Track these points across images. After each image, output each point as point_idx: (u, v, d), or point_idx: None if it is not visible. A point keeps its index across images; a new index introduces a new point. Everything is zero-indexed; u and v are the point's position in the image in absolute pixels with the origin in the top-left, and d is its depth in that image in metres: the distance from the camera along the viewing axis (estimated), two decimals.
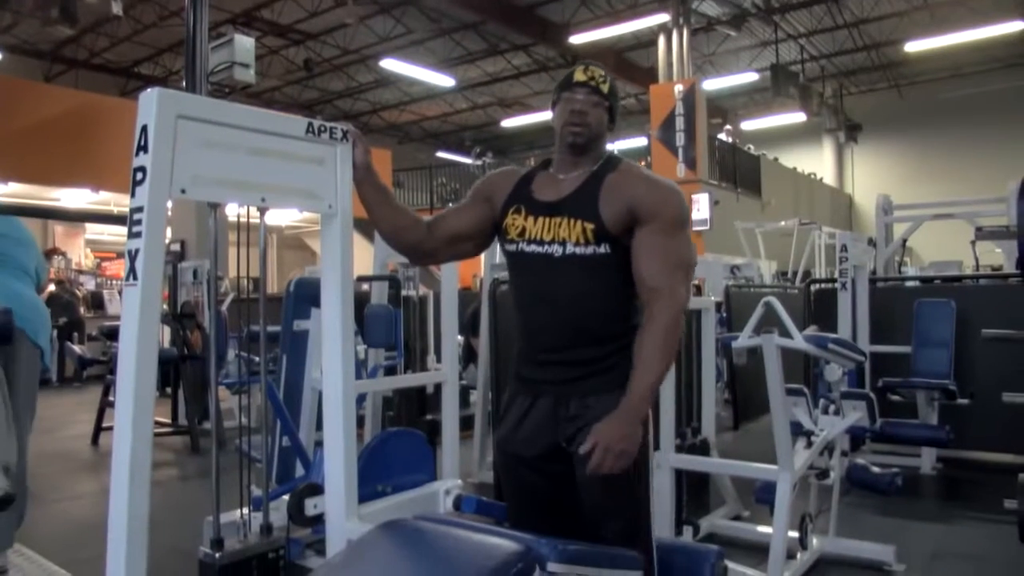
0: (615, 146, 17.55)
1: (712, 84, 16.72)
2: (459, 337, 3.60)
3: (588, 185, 1.81)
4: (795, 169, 19.80)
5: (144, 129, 1.53)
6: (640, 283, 1.75)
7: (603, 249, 1.76)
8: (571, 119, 1.82)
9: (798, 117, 18.02)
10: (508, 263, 1.92)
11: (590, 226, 1.75)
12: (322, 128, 1.85)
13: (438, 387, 3.22)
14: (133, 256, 1.52)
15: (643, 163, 15.66)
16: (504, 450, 1.88)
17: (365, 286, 4.71)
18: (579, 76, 1.84)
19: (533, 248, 1.81)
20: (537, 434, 1.79)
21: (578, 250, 1.76)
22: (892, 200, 6.77)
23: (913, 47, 15.96)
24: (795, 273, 10.48)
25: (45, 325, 3.17)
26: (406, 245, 1.97)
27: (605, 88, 1.84)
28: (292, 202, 1.91)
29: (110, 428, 4.50)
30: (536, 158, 16.69)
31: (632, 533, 1.73)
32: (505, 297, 4.20)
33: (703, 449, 3.78)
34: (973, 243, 7.55)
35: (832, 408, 3.51)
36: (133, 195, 1.54)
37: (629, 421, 1.65)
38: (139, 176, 1.53)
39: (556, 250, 1.78)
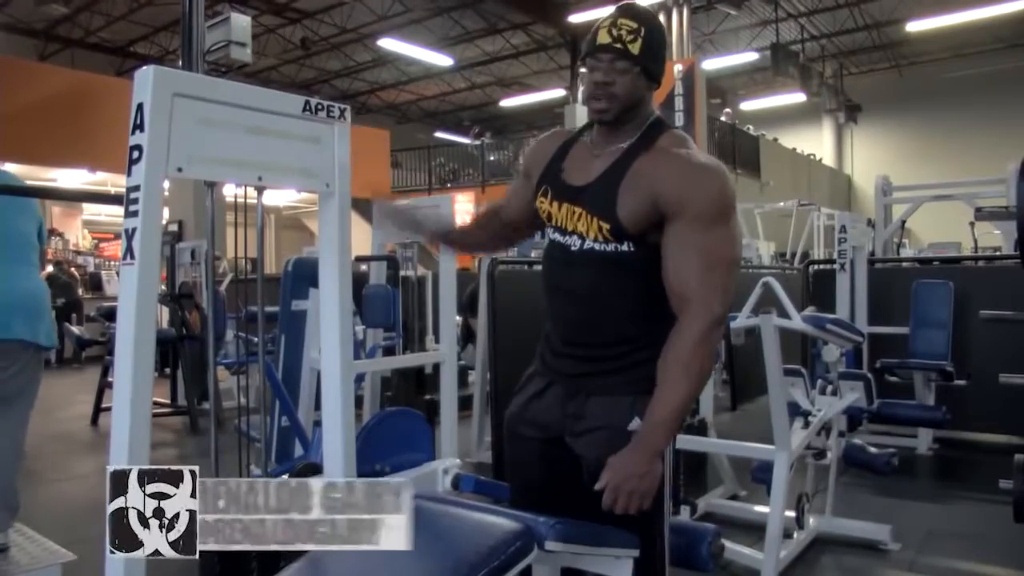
0: None
1: (712, 64, 16.62)
2: (457, 317, 3.60)
3: (613, 171, 1.60)
4: (794, 150, 19.75)
5: (140, 107, 1.51)
6: (669, 290, 1.54)
7: (626, 247, 1.58)
8: (594, 92, 1.59)
9: (798, 97, 17.97)
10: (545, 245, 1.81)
11: (606, 226, 1.57)
12: (319, 106, 1.83)
13: (436, 367, 3.22)
14: (130, 235, 1.51)
15: None
16: (511, 426, 1.81)
17: (363, 266, 4.71)
18: (602, 37, 1.56)
19: (556, 236, 1.68)
20: (543, 418, 1.73)
21: (597, 246, 1.59)
22: (891, 181, 6.76)
23: (915, 27, 15.87)
24: (794, 254, 10.46)
25: (43, 316, 2.92)
26: (498, 249, 2.02)
27: (636, 48, 1.54)
28: (289, 181, 1.90)
29: (109, 408, 4.51)
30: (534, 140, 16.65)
31: (642, 530, 1.61)
32: (504, 277, 4.19)
33: (701, 429, 3.79)
34: (972, 224, 7.55)
35: (830, 388, 3.52)
36: (129, 174, 1.53)
37: (643, 456, 1.48)
38: (135, 155, 1.52)
39: (575, 242, 1.63)
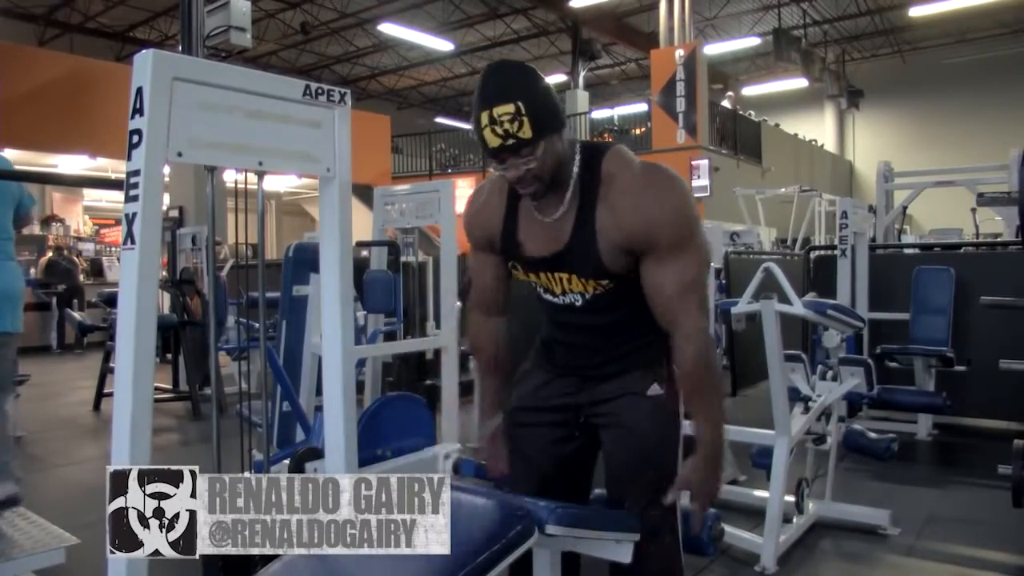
0: (616, 111, 17.43)
1: (713, 49, 16.55)
2: (458, 303, 3.60)
3: (582, 231, 1.60)
4: (796, 135, 19.70)
5: (139, 91, 1.51)
6: (657, 315, 1.62)
7: (623, 280, 1.64)
8: (517, 185, 1.58)
9: (800, 83, 17.91)
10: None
11: (604, 281, 1.63)
12: (319, 91, 1.82)
13: (437, 352, 3.23)
14: (131, 220, 1.51)
15: (642, 130, 15.64)
16: (517, 416, 1.84)
17: (364, 251, 4.70)
18: (491, 141, 1.48)
19: (549, 297, 1.73)
20: (555, 402, 1.78)
21: (599, 291, 1.65)
22: (893, 167, 6.74)
23: (918, 12, 15.77)
24: (795, 240, 10.46)
25: (12, 299, 2.99)
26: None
27: (527, 131, 1.45)
28: (290, 165, 1.90)
29: (111, 394, 4.53)
30: None
31: (657, 505, 1.70)
32: None
33: None
34: (973, 211, 7.55)
35: (830, 374, 3.53)
36: (129, 158, 1.52)
37: (709, 470, 1.70)
38: (135, 139, 1.51)
39: (575, 299, 1.68)
